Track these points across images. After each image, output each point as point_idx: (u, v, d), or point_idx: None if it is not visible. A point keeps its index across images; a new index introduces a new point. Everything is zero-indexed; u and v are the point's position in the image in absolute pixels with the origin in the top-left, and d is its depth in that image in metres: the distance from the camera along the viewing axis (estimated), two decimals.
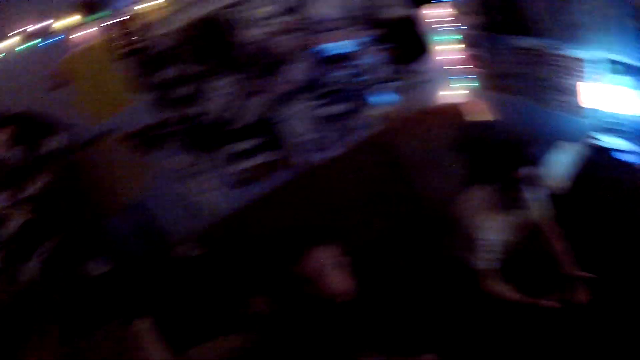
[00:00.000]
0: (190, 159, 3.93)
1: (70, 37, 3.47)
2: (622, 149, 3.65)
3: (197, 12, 3.75)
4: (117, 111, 3.66)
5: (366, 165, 4.29)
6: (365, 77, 4.57)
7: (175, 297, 3.35)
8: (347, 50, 4.43)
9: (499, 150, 3.59)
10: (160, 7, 3.64)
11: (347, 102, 4.51)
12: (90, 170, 3.28)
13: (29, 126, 3.26)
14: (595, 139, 3.80)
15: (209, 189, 4.04)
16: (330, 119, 4.45)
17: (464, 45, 4.83)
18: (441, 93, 5.09)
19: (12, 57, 3.39)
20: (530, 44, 4.18)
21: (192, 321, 3.22)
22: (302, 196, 4.09)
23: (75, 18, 3.45)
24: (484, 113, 4.95)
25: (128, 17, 3.57)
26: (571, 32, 3.80)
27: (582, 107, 3.96)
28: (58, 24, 3.42)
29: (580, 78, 3.89)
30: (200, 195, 4.01)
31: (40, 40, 3.40)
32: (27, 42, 3.38)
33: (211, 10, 3.80)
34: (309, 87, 4.32)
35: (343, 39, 4.40)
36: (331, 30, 4.33)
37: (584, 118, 4.00)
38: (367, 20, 4.49)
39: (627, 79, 3.55)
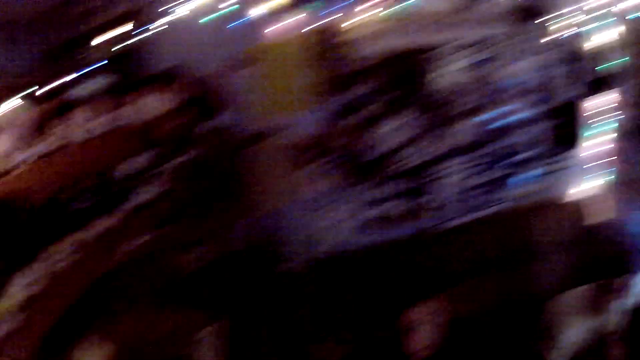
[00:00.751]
0: (339, 185, 3.80)
1: (272, 21, 3.44)
2: None
3: (401, 42, 3.75)
4: (293, 112, 3.57)
5: (486, 239, 4.28)
6: (522, 152, 4.59)
7: (263, 309, 3.34)
8: (520, 118, 4.48)
9: (604, 254, 3.64)
10: (370, 26, 3.63)
11: (497, 171, 4.50)
12: (243, 163, 3.21)
13: (206, 96, 3.24)
14: None
15: (344, 220, 3.89)
16: (476, 184, 4.44)
17: (619, 140, 4.83)
18: (579, 185, 4.99)
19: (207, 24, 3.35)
20: None
21: (264, 338, 3.29)
22: (426, 253, 4.02)
23: (284, 2, 3.43)
24: (609, 212, 4.86)
25: (337, 23, 3.55)
26: None
27: None
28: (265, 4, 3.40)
29: None
30: (333, 224, 3.87)
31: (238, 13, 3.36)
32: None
33: (414, 46, 3.82)
34: (472, 147, 4.32)
35: (521, 107, 4.46)
36: (512, 95, 4.40)
37: None
38: (543, 95, 4.58)
39: None
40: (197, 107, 3.16)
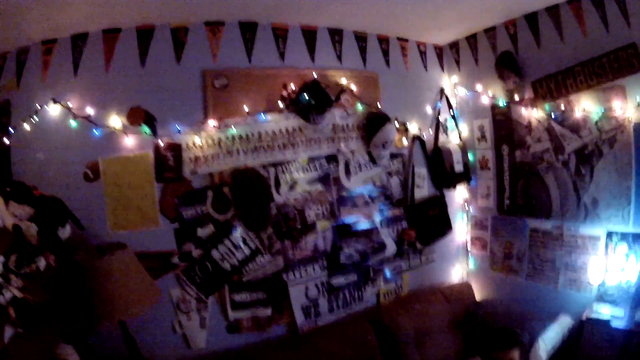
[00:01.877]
0: (192, 296, 3.91)
1: (113, 136, 3.50)
2: (615, 316, 3.86)
3: (240, 161, 3.93)
4: (140, 228, 3.61)
5: (360, 335, 4.29)
6: (379, 253, 4.77)
7: None
8: (368, 226, 4.69)
9: (491, 330, 3.89)
10: (208, 146, 3.79)
11: (355, 275, 4.63)
12: (99, 275, 3.21)
13: (50, 210, 3.28)
14: (594, 311, 4.02)
15: (201, 326, 3.99)
16: (336, 288, 4.53)
17: (478, 228, 5.42)
18: (448, 271, 5.56)
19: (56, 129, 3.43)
20: (546, 226, 4.68)
21: None
22: (294, 354, 4.00)
23: (123, 121, 3.51)
24: (487, 291, 5.36)
25: (174, 144, 3.67)
26: (587, 211, 4.35)
27: (588, 282, 4.32)
28: (105, 119, 3.47)
29: (591, 254, 4.32)
30: (191, 329, 3.94)
31: (81, 123, 3.41)
32: (68, 118, 3.39)
33: (252, 164, 4.00)
34: (325, 256, 4.44)
35: (367, 215, 4.69)
36: (358, 205, 4.64)
37: (587, 290, 4.33)
38: (393, 199, 4.93)
39: (627, 248, 4.03)
40: (44, 220, 3.22)
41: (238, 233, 3.92)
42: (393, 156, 4.85)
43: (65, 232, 3.16)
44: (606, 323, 3.83)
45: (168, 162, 3.65)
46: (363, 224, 4.62)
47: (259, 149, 4.02)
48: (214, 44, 3.85)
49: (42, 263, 2.97)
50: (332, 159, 4.42)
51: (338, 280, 4.51)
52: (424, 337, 4.51)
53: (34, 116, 3.36)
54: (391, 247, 4.84)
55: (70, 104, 3.40)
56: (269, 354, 3.97)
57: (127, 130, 3.50)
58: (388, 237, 4.83)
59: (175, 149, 3.66)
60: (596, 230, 4.24)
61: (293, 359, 3.97)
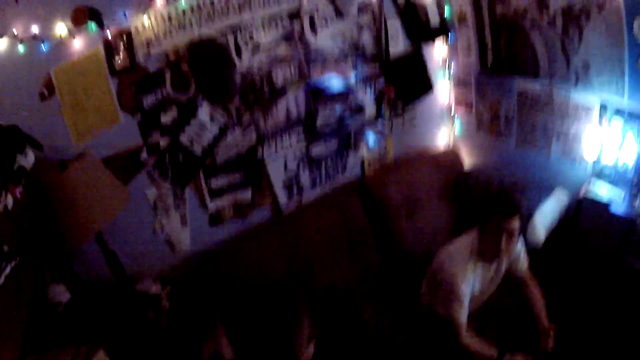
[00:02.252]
0: (168, 191, 3.73)
1: (61, 45, 3.18)
2: (614, 199, 3.70)
3: (195, 32, 3.62)
4: (101, 129, 3.41)
5: (347, 208, 4.23)
6: (358, 116, 4.52)
7: (133, 332, 3.23)
8: (343, 85, 4.37)
9: (487, 197, 3.66)
10: (158, 24, 3.55)
11: (336, 141, 4.43)
12: (64, 191, 3.07)
13: (5, 140, 3.09)
14: (591, 187, 3.87)
15: (182, 223, 3.83)
16: (317, 158, 4.34)
17: (462, 87, 5.04)
18: (433, 136, 5.27)
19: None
20: (534, 87, 4.34)
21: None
22: (280, 238, 3.97)
23: (69, 25, 3.12)
24: (476, 158, 5.14)
25: (123, 31, 3.36)
26: (578, 75, 4.01)
27: (582, 155, 4.07)
28: (51, 30, 3.11)
29: (584, 124, 4.04)
30: (173, 230, 3.80)
31: (28, 44, 3.23)
32: (15, 45, 3.22)
33: (208, 33, 3.63)
34: (300, 122, 4.18)
35: (340, 74, 4.34)
36: (329, 63, 4.25)
37: (582, 165, 4.10)
38: (367, 55, 4.50)
39: (629, 126, 3.72)
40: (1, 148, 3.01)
41: (203, 110, 3.62)
42: (361, 8, 4.36)
43: (28, 159, 2.91)
44: (605, 206, 3.68)
45: (119, 52, 3.31)
46: (337, 83, 4.28)
47: (212, 16, 3.60)
48: None
49: (9, 200, 2.74)
50: (295, 14, 3.96)
51: (317, 150, 4.30)
52: (415, 208, 4.38)
53: None
54: (370, 108, 4.55)
55: (15, 30, 3.01)
56: (253, 245, 3.87)
57: (74, 33, 3.14)
58: (366, 97, 4.51)
59: (125, 36, 3.31)
60: (589, 98, 3.94)
61: (280, 243, 3.91)
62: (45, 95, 3.16)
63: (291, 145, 4.15)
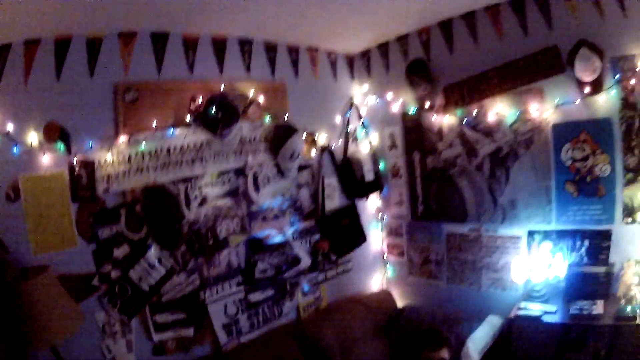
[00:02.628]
0: (115, 318, 3.80)
1: (31, 154, 3.30)
2: (547, 311, 3.90)
3: (150, 178, 3.79)
4: (58, 249, 3.40)
5: (283, 349, 4.24)
6: (295, 267, 4.70)
7: None
8: (280, 240, 4.60)
9: (417, 333, 3.90)
10: (120, 162, 3.64)
11: (273, 290, 4.56)
12: (24, 300, 3.13)
13: None
14: (522, 308, 4.02)
15: (128, 349, 3.89)
16: (255, 304, 4.45)
17: (394, 235, 5.45)
18: (367, 281, 5.53)
19: None
20: (463, 230, 4.77)
21: None
22: None
23: (40, 138, 3.30)
24: (409, 298, 5.40)
25: (87, 162, 3.50)
26: (505, 213, 4.47)
27: (513, 281, 4.39)
28: (24, 134, 3.28)
29: (512, 254, 4.44)
30: (119, 354, 3.84)
31: (2, 140, 3.20)
32: None
33: (162, 181, 3.87)
34: (240, 272, 4.35)
35: (279, 228, 4.60)
36: (269, 219, 4.54)
37: (512, 290, 4.45)
38: (304, 211, 4.86)
39: (551, 245, 4.17)
40: None
41: (153, 252, 3.78)
42: (302, 167, 4.77)
43: None
44: (537, 319, 3.86)
45: (82, 181, 3.47)
46: (275, 238, 4.53)
47: (167, 165, 3.87)
48: (126, 55, 3.69)
49: None
50: (240, 172, 4.30)
51: (255, 296, 4.43)
52: (349, 347, 4.45)
53: None
54: (306, 260, 4.75)
55: None
56: None
57: (43, 147, 3.32)
58: (302, 250, 4.75)
59: (89, 166, 3.50)
60: (516, 230, 4.35)
61: None
62: (11, 198, 3.25)
63: (231, 292, 4.26)
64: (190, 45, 4.00)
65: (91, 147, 3.51)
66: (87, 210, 3.55)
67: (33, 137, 3.30)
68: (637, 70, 3.70)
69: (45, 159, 3.36)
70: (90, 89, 3.57)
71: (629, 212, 3.85)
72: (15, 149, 3.23)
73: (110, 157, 3.60)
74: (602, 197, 3.93)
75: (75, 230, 3.50)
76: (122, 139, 3.65)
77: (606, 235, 3.94)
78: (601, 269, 3.89)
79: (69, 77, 3.47)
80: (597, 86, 3.82)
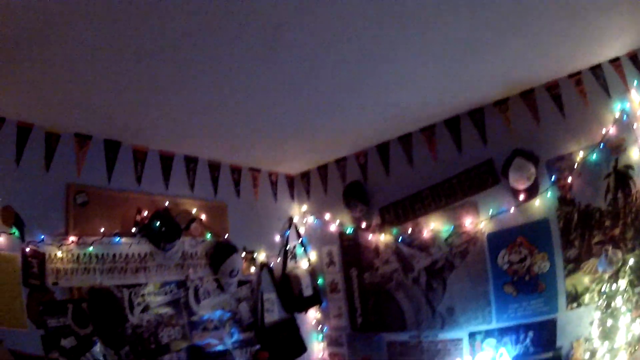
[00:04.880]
0: None
1: None
2: None
3: (97, 280, 3.85)
4: (9, 327, 3.38)
5: None
6: None
7: None
8: (221, 349, 4.56)
9: None
10: (68, 260, 3.69)
11: None
12: None
13: None
14: None
15: None
16: None
17: (334, 346, 5.46)
18: None
19: None
20: (402, 338, 4.80)
21: None
22: None
23: None
24: None
25: (38, 253, 3.57)
26: (444, 319, 4.54)
27: None
28: None
29: (454, 356, 4.46)
30: None
31: None
32: None
33: (108, 284, 3.93)
34: None
35: (219, 339, 4.59)
36: (209, 329, 4.57)
37: None
38: (243, 324, 4.89)
39: (494, 342, 4.23)
40: None
41: (98, 348, 3.78)
42: (241, 283, 4.90)
43: None
44: None
45: (33, 269, 3.54)
46: (216, 347, 4.54)
47: (113, 270, 3.98)
48: (80, 157, 3.86)
49: None
50: (182, 284, 4.41)
51: None
52: None
53: None
54: None
55: None
56: None
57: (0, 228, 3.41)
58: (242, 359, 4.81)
59: (40, 257, 3.58)
60: (456, 333, 4.43)
61: None
62: None
63: None
64: (139, 157, 4.21)
65: (42, 240, 3.59)
66: (37, 297, 3.59)
67: None
68: (574, 167, 3.91)
69: (1, 239, 3.42)
70: (45, 183, 3.70)
71: (573, 298, 3.91)
72: None
73: (60, 253, 3.69)
74: (543, 292, 4.02)
75: (26, 314, 3.52)
76: (72, 239, 3.74)
77: (551, 324, 4.00)
78: (548, 355, 3.95)
79: (27, 166, 3.61)
80: (531, 192, 4.03)
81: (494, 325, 4.25)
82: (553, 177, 3.98)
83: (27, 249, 3.54)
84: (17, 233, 3.49)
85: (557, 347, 3.96)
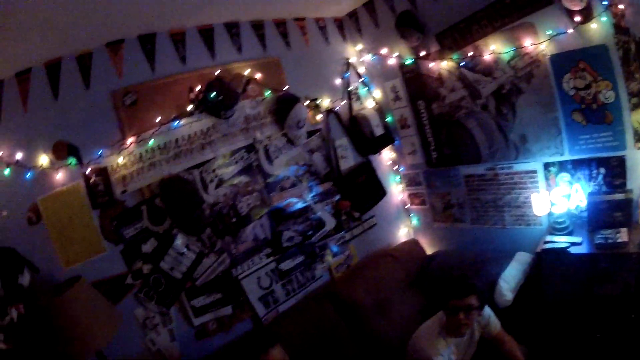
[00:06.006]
0: (155, 311, 3.84)
1: (45, 175, 3.48)
2: (573, 242, 3.97)
3: (164, 171, 3.94)
4: (88, 258, 3.58)
5: (320, 313, 4.34)
6: (320, 231, 4.87)
7: None
8: (302, 206, 4.74)
9: (443, 283, 3.98)
10: (132, 162, 3.79)
11: (302, 256, 4.71)
12: (62, 314, 3.21)
13: (6, 261, 3.27)
14: (548, 242, 4.11)
15: (171, 338, 4.01)
16: (287, 272, 4.60)
17: (413, 185, 5.58)
18: (393, 233, 5.67)
19: None
20: (479, 171, 4.85)
21: None
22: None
23: (51, 157, 3.49)
24: (436, 244, 5.55)
25: (100, 169, 3.66)
26: (517, 149, 4.51)
27: (536, 216, 4.50)
28: (34, 160, 3.45)
29: (531, 189, 4.51)
30: (163, 345, 3.96)
31: (14, 169, 3.38)
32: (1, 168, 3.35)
33: (177, 170, 4.01)
34: (267, 243, 4.49)
35: (298, 196, 4.74)
36: (287, 188, 4.68)
37: (537, 225, 4.56)
38: (320, 175, 4.99)
39: (568, 176, 4.24)
40: (4, 268, 3.21)
41: (179, 240, 3.93)
42: (311, 133, 4.89)
43: (25, 278, 3.14)
44: (564, 250, 3.92)
45: (99, 188, 3.63)
46: (296, 205, 4.66)
47: (179, 155, 4.02)
48: (117, 63, 3.79)
49: (14, 313, 2.98)
50: (251, 148, 4.43)
51: (286, 264, 4.58)
52: (384, 302, 4.55)
53: None
54: (330, 222, 4.92)
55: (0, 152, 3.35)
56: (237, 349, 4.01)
57: (55, 165, 3.48)
58: (324, 212, 4.89)
59: (102, 173, 3.66)
60: (531, 164, 4.39)
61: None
62: (34, 221, 3.42)
63: (262, 264, 4.43)
64: (177, 39, 4.09)
65: (101, 154, 3.65)
66: (108, 214, 3.71)
67: (43, 159, 3.45)
68: None
69: (59, 176, 3.52)
70: (89, 100, 3.70)
71: (639, 137, 3.82)
72: (28, 175, 3.38)
73: (122, 159, 3.75)
74: (611, 124, 3.89)
75: (101, 236, 3.67)
76: (130, 140, 3.78)
77: (620, 162, 3.94)
78: (620, 196, 3.89)
79: (66, 95, 3.60)
80: (587, 14, 3.76)
81: (567, 156, 4.17)
82: (605, 1, 3.65)
83: (88, 171, 3.61)
84: (74, 162, 3.54)
85: (627, 189, 3.88)
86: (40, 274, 3.31)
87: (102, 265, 3.63)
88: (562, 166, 4.22)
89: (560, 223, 4.17)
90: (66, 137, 3.55)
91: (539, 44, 4.03)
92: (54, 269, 3.44)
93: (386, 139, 5.28)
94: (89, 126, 3.67)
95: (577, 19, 3.78)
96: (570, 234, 4.09)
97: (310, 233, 4.76)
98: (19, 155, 3.37)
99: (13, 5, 2.62)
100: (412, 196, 5.55)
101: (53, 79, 3.58)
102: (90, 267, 3.56)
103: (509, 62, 4.24)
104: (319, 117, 5.00)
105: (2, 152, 3.35)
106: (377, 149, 5.31)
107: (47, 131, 3.52)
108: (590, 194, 4.02)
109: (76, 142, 3.58)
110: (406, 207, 5.64)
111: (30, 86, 3.48)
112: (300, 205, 4.70)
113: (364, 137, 5.15)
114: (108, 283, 3.63)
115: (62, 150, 3.52)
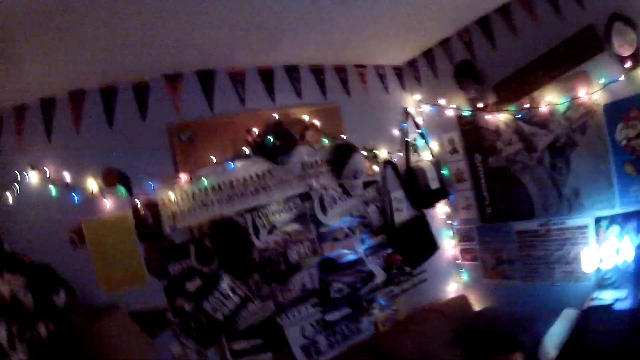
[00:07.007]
0: (192, 350, 3.88)
1: (92, 200, 3.50)
2: (618, 298, 3.82)
3: (216, 211, 3.93)
4: (129, 286, 3.58)
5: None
6: (369, 283, 4.70)
7: None
8: (353, 258, 4.62)
9: (490, 339, 3.85)
10: (183, 199, 3.80)
11: (349, 307, 4.58)
12: (96, 340, 3.22)
13: (42, 278, 3.27)
14: (595, 298, 3.98)
15: None
16: (332, 323, 4.47)
17: (465, 241, 5.41)
18: (443, 288, 5.49)
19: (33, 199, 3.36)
20: (532, 226, 4.67)
21: None
22: None
23: (100, 183, 3.50)
24: (485, 301, 5.32)
25: (150, 202, 3.68)
26: (570, 203, 4.36)
27: (584, 272, 4.28)
28: (82, 183, 3.46)
29: (581, 244, 4.31)
30: None
31: (60, 189, 3.39)
32: (47, 184, 3.37)
33: (228, 213, 4.00)
34: (315, 294, 4.41)
35: (350, 248, 4.66)
36: (339, 238, 4.62)
37: (585, 281, 4.32)
38: (373, 228, 4.90)
39: (618, 229, 4.02)
40: (37, 288, 3.21)
41: (225, 283, 3.88)
42: (367, 184, 4.83)
43: (60, 298, 3.14)
44: (608, 307, 3.78)
45: (147, 221, 3.63)
46: (348, 256, 4.56)
47: (232, 197, 4.00)
48: (175, 97, 3.83)
49: (42, 329, 2.96)
50: (306, 196, 4.39)
51: (332, 316, 4.46)
52: (427, 358, 4.37)
53: (15, 184, 3.27)
54: (380, 275, 4.76)
55: (47, 170, 3.35)
56: None
57: (104, 192, 3.48)
58: (375, 265, 4.76)
59: (153, 206, 3.65)
60: (583, 219, 4.23)
61: None
62: (76, 243, 3.41)
63: (308, 313, 4.32)
64: (237, 78, 4.12)
65: (153, 187, 3.65)
66: (155, 248, 3.69)
67: (92, 184, 3.45)
68: None
69: (107, 204, 3.51)
70: (144, 131, 3.73)
71: None
72: (75, 197, 3.38)
73: (174, 195, 3.74)
74: None
75: (145, 269, 3.64)
76: (183, 177, 3.77)
77: None
78: None
79: (121, 122, 3.65)
80: (637, 59, 3.69)
81: (617, 209, 4.00)
82: None
83: (138, 203, 3.60)
84: (123, 191, 3.53)
85: None
86: (76, 297, 3.28)
87: (142, 297, 3.60)
88: (612, 220, 4.06)
89: (607, 279, 4.03)
90: (117, 164, 3.55)
91: (592, 93, 3.94)
92: (90, 293, 3.41)
93: (441, 193, 5.16)
94: (141, 157, 3.68)
95: (628, 64, 3.70)
96: (617, 288, 3.94)
97: (359, 285, 4.60)
98: (67, 176, 3.38)
99: (74, 18, 2.64)
100: (463, 251, 5.40)
101: (108, 105, 3.62)
102: (130, 296, 3.52)
103: (564, 113, 4.16)
104: (376, 168, 4.93)
105: (50, 170, 3.36)
106: (432, 203, 5.21)
107: (98, 156, 3.54)
108: (638, 247, 3.85)
109: (127, 171, 3.58)
110: (457, 262, 5.48)
111: (84, 108, 3.53)
112: (351, 257, 4.59)
113: (420, 190, 5.05)
114: (146, 315, 3.59)
115: (113, 178, 3.52)
